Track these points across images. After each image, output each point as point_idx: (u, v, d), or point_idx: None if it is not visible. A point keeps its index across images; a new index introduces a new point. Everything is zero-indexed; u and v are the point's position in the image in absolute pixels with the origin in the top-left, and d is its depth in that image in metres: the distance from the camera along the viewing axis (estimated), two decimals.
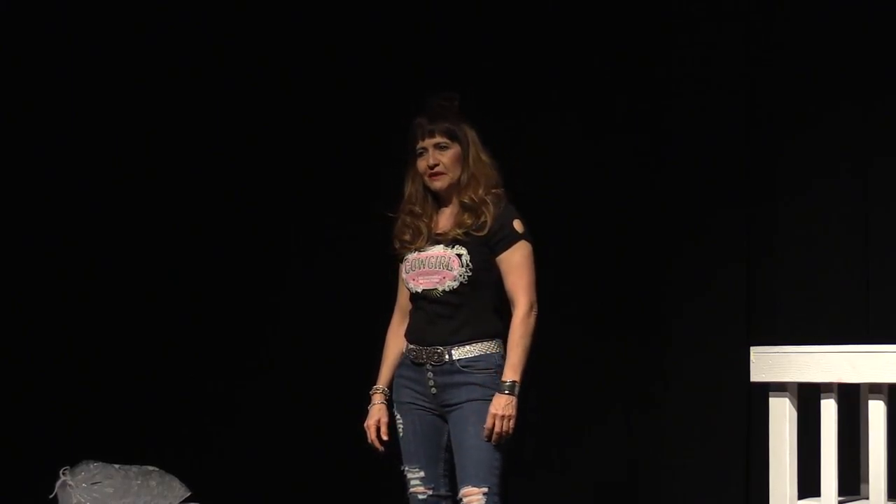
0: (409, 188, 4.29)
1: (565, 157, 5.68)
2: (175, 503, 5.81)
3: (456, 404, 4.11)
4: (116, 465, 5.78)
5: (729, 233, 5.37)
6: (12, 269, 6.33)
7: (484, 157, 4.24)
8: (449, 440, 4.17)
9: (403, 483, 4.26)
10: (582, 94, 5.67)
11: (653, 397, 5.52)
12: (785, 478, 3.69)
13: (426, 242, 4.21)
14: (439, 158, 4.20)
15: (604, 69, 5.63)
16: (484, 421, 4.05)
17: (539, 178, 5.54)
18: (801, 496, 3.72)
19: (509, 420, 4.04)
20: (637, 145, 5.59)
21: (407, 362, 4.23)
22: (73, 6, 6.30)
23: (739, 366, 4.48)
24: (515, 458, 4.27)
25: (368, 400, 4.31)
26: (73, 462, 5.75)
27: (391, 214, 4.31)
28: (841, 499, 3.71)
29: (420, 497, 4.21)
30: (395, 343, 4.31)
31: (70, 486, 5.66)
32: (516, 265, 4.14)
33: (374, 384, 4.31)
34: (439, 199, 4.27)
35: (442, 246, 4.19)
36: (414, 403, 4.21)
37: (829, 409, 3.64)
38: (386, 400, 4.29)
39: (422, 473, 4.20)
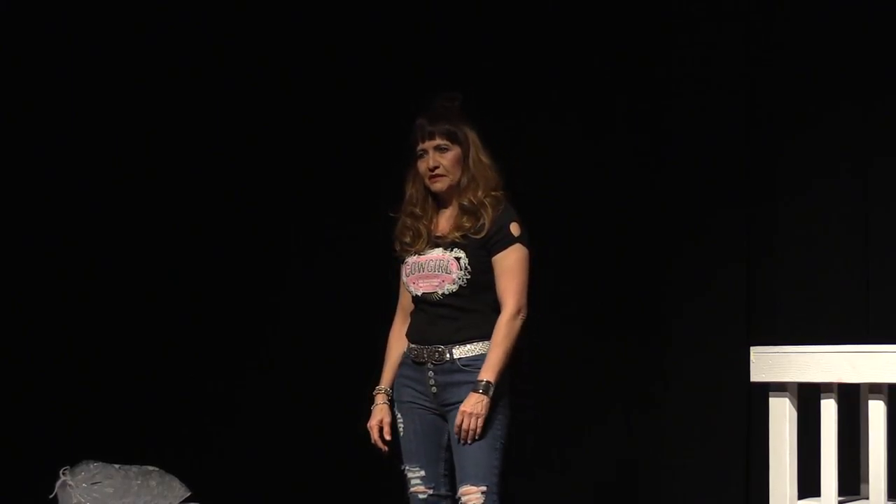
0: (409, 189, 4.29)
1: (565, 157, 5.68)
2: (175, 503, 5.81)
3: (456, 403, 4.11)
4: (116, 465, 5.78)
5: (729, 233, 5.37)
6: (12, 269, 6.33)
7: (484, 158, 4.23)
8: (449, 440, 4.17)
9: (403, 482, 4.26)
10: (582, 94, 5.67)
11: (653, 397, 5.52)
12: (785, 478, 3.69)
13: (426, 245, 4.21)
14: (439, 160, 4.20)
15: (604, 69, 5.63)
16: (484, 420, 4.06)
17: (539, 178, 5.54)
18: (801, 496, 3.72)
19: (478, 419, 4.04)
20: (637, 145, 5.59)
21: (408, 362, 4.23)
22: (73, 6, 6.30)
23: (739, 366, 4.48)
24: (515, 458, 4.27)
25: (371, 400, 4.31)
26: (73, 462, 5.75)
27: (392, 214, 4.31)
28: (841, 499, 3.71)
29: (420, 497, 4.21)
30: (398, 343, 4.31)
31: (70, 486, 5.66)
32: (508, 268, 4.14)
33: (377, 385, 4.31)
34: (439, 201, 4.27)
35: (441, 249, 4.19)
36: (414, 403, 4.21)
37: (829, 409, 3.64)
38: (389, 400, 4.29)
39: (422, 473, 4.20)
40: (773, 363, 3.68)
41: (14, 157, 6.33)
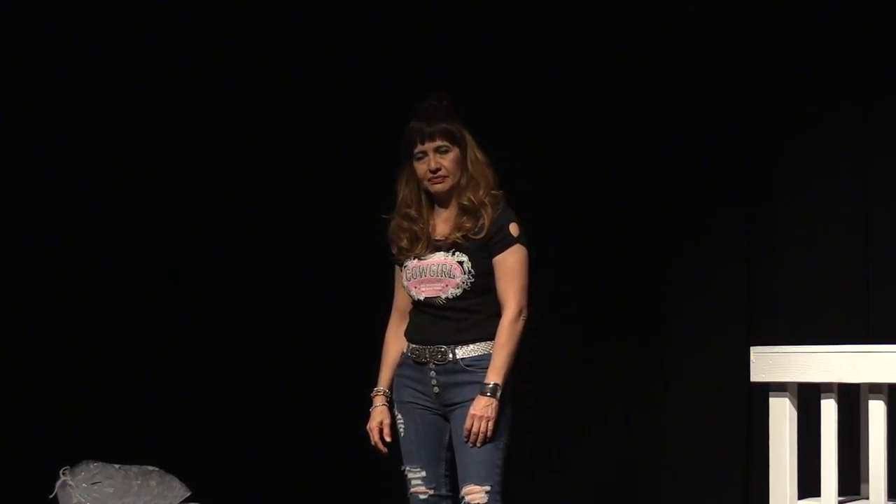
0: (402, 191, 4.26)
1: (565, 157, 5.68)
2: (175, 503, 5.81)
3: (459, 403, 4.11)
4: (116, 465, 5.78)
5: (729, 233, 5.37)
6: (12, 269, 6.33)
7: (480, 156, 4.22)
8: (450, 440, 4.17)
9: (404, 483, 4.25)
10: (582, 94, 5.67)
11: (653, 397, 5.52)
12: (785, 478, 3.69)
13: (426, 249, 4.19)
14: (441, 162, 4.17)
15: (604, 69, 5.63)
16: None
17: (539, 178, 5.54)
18: (801, 496, 3.72)
19: (488, 422, 4.04)
20: (637, 145, 5.59)
21: (408, 362, 4.22)
22: (73, 6, 6.30)
23: (739, 366, 4.48)
24: (515, 458, 4.27)
25: (369, 402, 4.30)
26: (73, 462, 5.75)
27: (385, 216, 4.29)
28: (841, 499, 3.71)
29: (421, 497, 4.21)
30: (395, 344, 4.30)
31: (70, 486, 5.66)
32: (508, 269, 4.13)
33: (375, 386, 4.31)
34: (436, 202, 4.25)
35: (442, 253, 4.17)
36: (415, 403, 4.20)
37: (829, 409, 3.64)
38: (387, 401, 4.28)
39: (423, 473, 4.20)
40: (773, 363, 3.68)
41: (14, 157, 6.33)
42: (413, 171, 4.22)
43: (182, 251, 6.38)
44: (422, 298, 4.19)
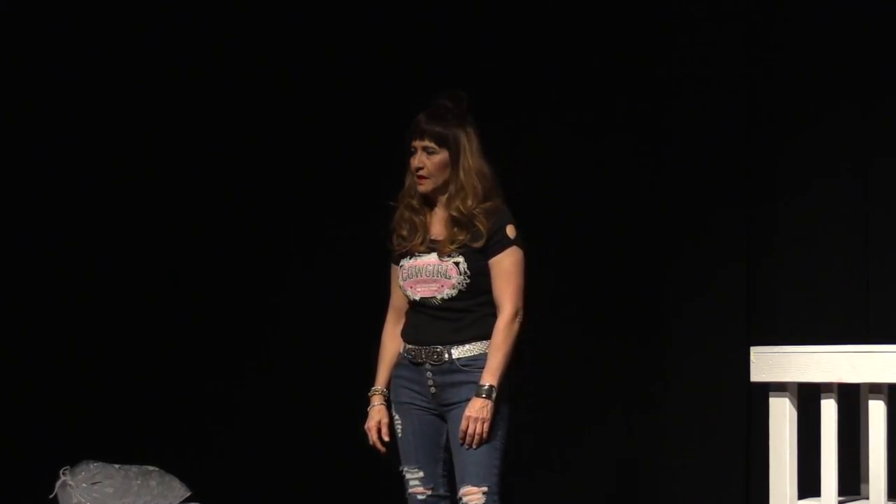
0: (408, 180, 4.26)
1: (565, 157, 5.68)
2: (175, 503, 5.81)
3: (456, 403, 4.11)
4: (116, 465, 5.78)
5: (729, 233, 5.37)
6: (12, 269, 6.33)
7: (478, 166, 4.17)
8: (448, 440, 4.17)
9: (402, 483, 4.25)
10: (582, 94, 5.67)
11: (653, 397, 5.52)
12: (785, 478, 3.69)
13: (421, 245, 4.19)
14: (424, 162, 4.17)
15: (604, 69, 5.63)
16: None
17: (539, 178, 5.55)
18: (801, 496, 3.72)
19: (483, 423, 4.04)
20: (637, 145, 5.59)
21: (405, 362, 4.22)
22: (73, 6, 6.30)
23: (739, 366, 4.48)
24: (515, 458, 4.27)
25: (367, 402, 4.30)
26: (73, 462, 5.75)
27: (392, 203, 4.29)
28: (841, 499, 3.71)
29: (419, 497, 4.21)
30: (392, 343, 4.30)
31: (70, 486, 5.66)
32: (505, 270, 4.12)
33: (372, 385, 4.30)
34: (428, 200, 4.25)
35: (437, 254, 4.17)
36: (412, 403, 4.20)
37: (829, 409, 3.64)
38: (385, 401, 4.28)
39: (421, 473, 4.20)
40: (773, 363, 3.69)
41: (14, 157, 6.33)
42: None
43: (182, 251, 6.38)
44: (417, 298, 4.19)
